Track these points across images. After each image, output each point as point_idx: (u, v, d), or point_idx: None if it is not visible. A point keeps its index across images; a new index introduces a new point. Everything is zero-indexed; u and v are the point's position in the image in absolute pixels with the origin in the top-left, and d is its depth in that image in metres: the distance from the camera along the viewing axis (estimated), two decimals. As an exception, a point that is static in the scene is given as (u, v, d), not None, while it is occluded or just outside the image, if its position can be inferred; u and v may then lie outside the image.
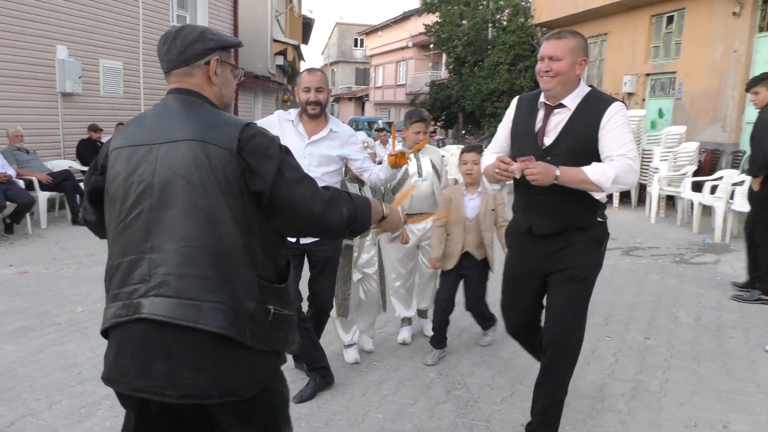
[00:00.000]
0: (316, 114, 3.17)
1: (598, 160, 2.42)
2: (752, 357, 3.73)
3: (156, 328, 1.51)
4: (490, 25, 17.60)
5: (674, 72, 11.56)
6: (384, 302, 3.88)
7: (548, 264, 2.61)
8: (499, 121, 14.52)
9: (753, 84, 4.83)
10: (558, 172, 2.31)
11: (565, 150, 2.45)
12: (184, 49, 1.65)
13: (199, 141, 1.55)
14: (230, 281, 1.54)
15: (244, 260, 1.56)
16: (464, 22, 18.48)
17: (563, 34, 2.47)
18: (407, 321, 4.15)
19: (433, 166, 3.93)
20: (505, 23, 16.96)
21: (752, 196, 4.84)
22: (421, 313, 4.24)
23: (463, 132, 20.55)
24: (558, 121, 2.50)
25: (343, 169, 3.43)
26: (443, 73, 30.40)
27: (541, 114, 2.55)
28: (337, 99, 47.08)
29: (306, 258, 3.29)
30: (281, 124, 3.24)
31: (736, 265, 5.90)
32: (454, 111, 22.50)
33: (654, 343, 3.98)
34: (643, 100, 12.46)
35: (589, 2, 13.29)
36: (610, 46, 13.50)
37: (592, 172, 2.32)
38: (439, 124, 23.58)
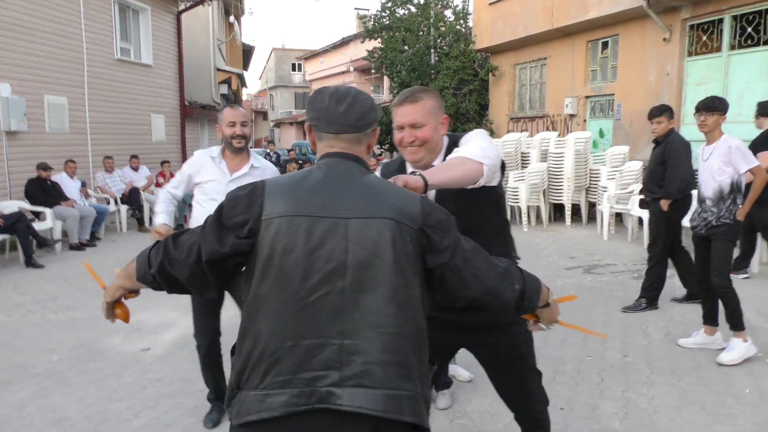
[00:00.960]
0: (241, 148, 3.26)
1: (488, 201, 2.18)
2: (723, 370, 3.99)
3: (350, 420, 1.41)
4: (432, 50, 18.05)
5: (612, 94, 12.21)
6: None
7: (446, 311, 2.18)
8: None
9: (657, 114, 5.24)
10: (428, 177, 1.80)
11: (453, 210, 1.91)
12: (363, 115, 1.57)
13: (391, 219, 1.45)
14: (419, 367, 1.49)
15: (424, 343, 1.53)
16: (407, 47, 18.88)
17: (417, 97, 2.09)
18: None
19: None
20: (447, 49, 17.44)
21: (659, 216, 5.19)
22: None
23: (410, 155, 20.86)
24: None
25: None
26: (385, 96, 30.89)
27: None
28: (278, 124, 46.88)
29: None
30: (202, 162, 3.32)
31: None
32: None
33: (632, 360, 4.21)
34: (585, 121, 13.07)
35: (528, 29, 13.90)
36: (550, 70, 14.12)
37: (459, 152, 2.01)
38: (384, 147, 23.86)
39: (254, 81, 59.55)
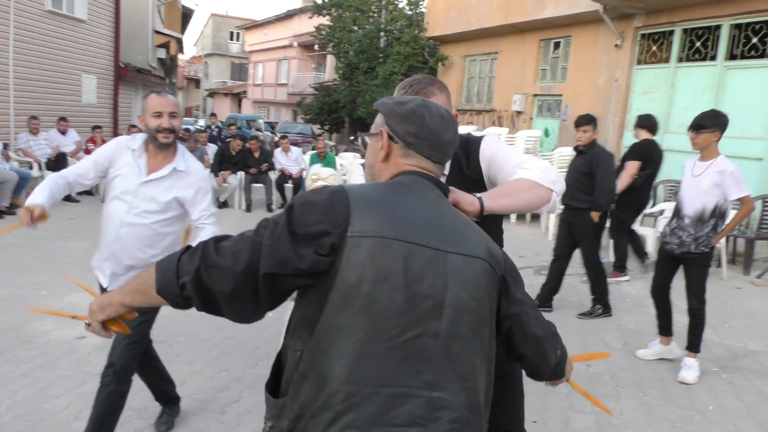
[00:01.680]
0: (168, 143, 2.72)
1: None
2: (685, 385, 4.05)
3: None
4: (383, 34, 17.78)
5: (561, 94, 12.39)
6: None
7: None
8: None
9: (584, 122, 5.22)
10: (486, 202, 1.70)
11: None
12: (457, 144, 1.42)
13: (485, 260, 1.30)
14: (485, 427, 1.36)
15: (489, 403, 1.37)
16: (356, 28, 18.53)
17: (430, 92, 1.92)
18: None
19: None
20: (398, 34, 17.22)
21: (589, 226, 5.28)
22: None
23: (352, 138, 20.59)
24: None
25: None
26: (327, 75, 30.34)
27: None
28: (212, 94, 45.27)
29: None
30: (119, 153, 2.77)
31: (638, 285, 6.42)
32: (341, 116, 22.52)
33: (596, 370, 4.20)
34: (531, 119, 13.23)
35: (482, 21, 13.88)
36: (500, 65, 14.18)
37: (525, 174, 1.82)
38: (325, 127, 23.47)
39: (188, 46, 57.14)
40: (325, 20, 19.92)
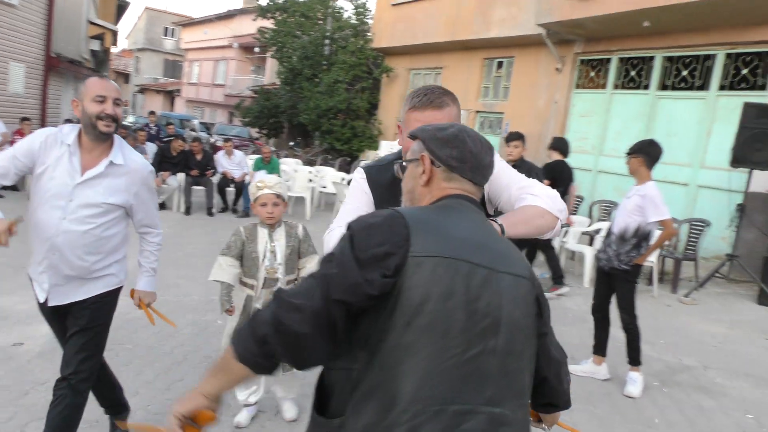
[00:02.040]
0: (109, 134, 2.40)
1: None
2: (631, 399, 4.23)
3: None
4: (328, 42, 17.75)
5: (502, 113, 12.76)
6: None
7: None
8: (335, 137, 14.93)
9: (515, 138, 5.59)
10: (507, 229, 1.75)
11: None
12: (492, 164, 1.48)
13: (528, 280, 1.35)
14: None
15: None
16: (301, 34, 18.41)
17: (443, 102, 1.89)
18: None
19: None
20: (344, 43, 17.24)
21: (521, 240, 5.67)
22: None
23: (292, 144, 20.39)
24: None
25: None
26: (266, 79, 29.93)
27: None
28: (143, 90, 43.70)
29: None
30: (46, 147, 2.40)
31: (579, 300, 6.68)
32: (280, 120, 22.25)
33: (547, 383, 4.33)
34: (473, 134, 13.54)
35: (428, 36, 14.12)
36: (444, 80, 14.45)
37: (535, 201, 1.85)
38: (264, 131, 23.13)
39: (119, 39, 55.03)
40: (268, 23, 19.68)
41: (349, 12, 18.48)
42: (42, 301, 2.53)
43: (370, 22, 17.61)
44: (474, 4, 12.72)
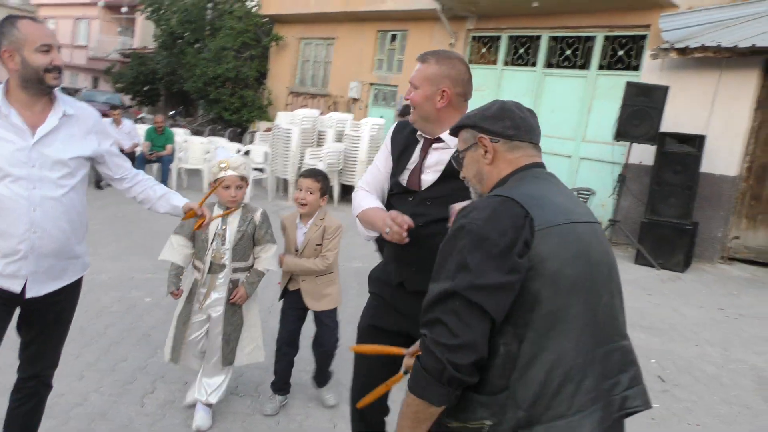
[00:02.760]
0: (56, 86, 2.15)
1: None
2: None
3: (619, 420, 1.43)
4: (211, 5, 16.94)
5: (396, 85, 12.99)
6: (228, 356, 3.09)
7: (414, 326, 2.11)
8: (223, 107, 14.81)
9: (407, 112, 5.88)
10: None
11: (447, 193, 2.05)
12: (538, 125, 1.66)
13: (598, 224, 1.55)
14: None
15: None
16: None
17: (425, 58, 2.12)
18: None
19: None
20: (230, 7, 16.53)
21: None
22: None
23: (172, 113, 19.34)
24: (437, 159, 2.15)
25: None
26: (137, 42, 27.99)
27: (418, 148, 2.21)
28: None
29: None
30: None
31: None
32: (157, 87, 21.03)
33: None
34: (367, 106, 13.68)
35: (321, 5, 13.95)
36: (337, 51, 14.39)
37: None
38: (138, 98, 21.74)
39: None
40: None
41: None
42: (18, 291, 2.16)
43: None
44: (368, -25, 12.75)
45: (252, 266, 3.13)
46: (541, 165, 1.56)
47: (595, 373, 1.36)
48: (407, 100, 2.16)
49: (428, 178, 2.14)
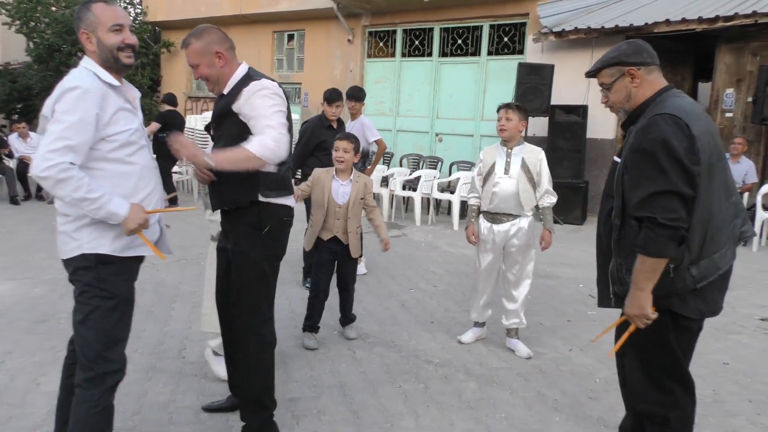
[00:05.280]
0: (129, 64, 2.31)
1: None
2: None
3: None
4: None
5: (300, 83, 13.46)
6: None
7: (228, 243, 2.72)
8: None
9: (337, 98, 5.58)
10: (212, 162, 2.38)
11: (225, 134, 2.57)
12: None
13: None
14: None
15: None
16: (55, 2, 16.63)
17: (186, 42, 2.54)
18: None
19: (524, 164, 3.86)
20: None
21: None
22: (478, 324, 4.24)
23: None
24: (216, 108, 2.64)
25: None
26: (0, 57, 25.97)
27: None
28: None
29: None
30: (103, 103, 2.19)
31: (420, 237, 7.89)
32: (34, 104, 19.84)
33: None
34: (271, 105, 14.00)
35: (212, 10, 14.06)
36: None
37: (250, 146, 2.38)
38: (14, 117, 20.38)
39: None
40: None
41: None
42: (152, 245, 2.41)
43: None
44: (260, -22, 13.08)
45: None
46: (673, 86, 2.23)
47: (727, 221, 2.13)
48: (197, 78, 2.64)
49: (213, 125, 2.70)
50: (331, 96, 5.51)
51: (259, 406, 2.70)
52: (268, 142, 2.40)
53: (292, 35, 13.67)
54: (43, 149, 2.10)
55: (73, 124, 2.10)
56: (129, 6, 16.24)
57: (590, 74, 2.37)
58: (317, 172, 3.98)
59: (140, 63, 15.59)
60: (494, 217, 3.94)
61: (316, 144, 5.48)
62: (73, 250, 2.25)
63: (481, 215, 4.04)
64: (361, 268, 5.38)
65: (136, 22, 15.54)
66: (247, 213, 2.60)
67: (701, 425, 3.08)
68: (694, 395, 2.23)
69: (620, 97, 2.27)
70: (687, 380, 2.21)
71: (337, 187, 3.91)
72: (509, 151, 3.91)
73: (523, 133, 4.01)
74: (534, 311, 4.80)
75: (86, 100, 2.13)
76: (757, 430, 3.09)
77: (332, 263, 4.03)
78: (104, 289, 2.24)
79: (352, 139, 3.86)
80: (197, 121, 10.96)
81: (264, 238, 2.61)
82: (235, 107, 2.51)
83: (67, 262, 2.28)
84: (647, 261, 2.02)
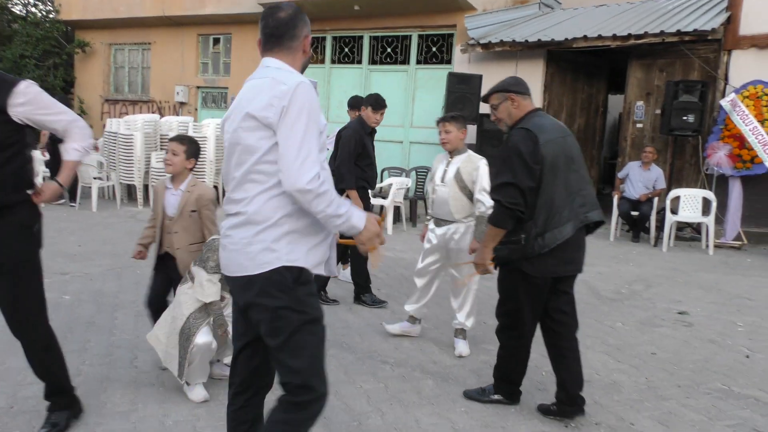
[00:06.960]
0: None
1: None
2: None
3: (582, 228, 3.06)
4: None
5: (226, 87, 13.26)
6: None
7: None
8: None
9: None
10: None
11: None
12: None
13: (571, 136, 3.15)
14: None
15: None
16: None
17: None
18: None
19: (458, 174, 3.95)
20: (24, 12, 15.18)
21: None
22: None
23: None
24: None
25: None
26: None
27: None
28: None
29: None
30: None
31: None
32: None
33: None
34: (196, 110, 13.71)
35: (132, 10, 13.62)
36: (155, 56, 14.15)
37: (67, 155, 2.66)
38: None
39: None
40: None
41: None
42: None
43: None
44: (184, -21, 12.80)
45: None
46: (539, 109, 3.04)
47: (565, 206, 2.93)
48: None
49: None
50: (378, 101, 5.20)
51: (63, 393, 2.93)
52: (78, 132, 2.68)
53: (218, 39, 13.44)
54: (299, 161, 1.89)
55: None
56: (38, 2, 15.39)
57: (484, 98, 3.16)
58: (158, 180, 3.54)
59: (53, 63, 14.84)
60: (437, 220, 4.18)
61: (359, 152, 5.18)
62: (271, 263, 1.99)
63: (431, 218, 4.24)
64: (345, 275, 5.69)
65: (47, 19, 14.76)
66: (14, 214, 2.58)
67: (639, 409, 3.38)
68: (526, 336, 3.17)
69: (504, 115, 3.09)
70: (524, 321, 3.11)
71: (169, 196, 3.43)
72: (449, 160, 4.10)
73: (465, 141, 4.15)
74: (477, 311, 5.01)
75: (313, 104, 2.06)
76: (687, 411, 3.41)
77: (166, 281, 3.54)
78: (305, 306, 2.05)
79: (185, 140, 3.40)
80: (120, 124, 10.61)
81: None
82: None
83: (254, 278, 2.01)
84: (493, 230, 2.95)
